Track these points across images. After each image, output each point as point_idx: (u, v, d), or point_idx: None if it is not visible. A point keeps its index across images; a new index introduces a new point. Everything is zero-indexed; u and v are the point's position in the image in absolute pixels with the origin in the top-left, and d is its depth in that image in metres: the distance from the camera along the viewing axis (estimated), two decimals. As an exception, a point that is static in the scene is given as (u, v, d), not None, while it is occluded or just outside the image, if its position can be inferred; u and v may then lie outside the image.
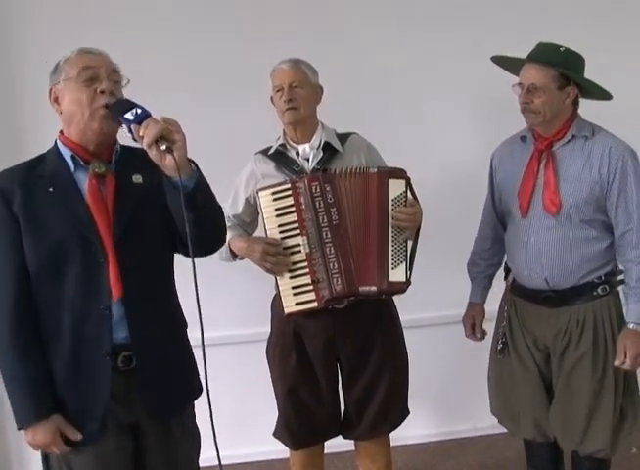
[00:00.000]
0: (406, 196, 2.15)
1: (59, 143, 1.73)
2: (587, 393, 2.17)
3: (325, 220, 2.12)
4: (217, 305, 2.79)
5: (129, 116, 1.59)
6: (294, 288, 2.14)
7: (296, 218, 2.13)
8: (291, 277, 2.15)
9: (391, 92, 2.94)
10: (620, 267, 2.22)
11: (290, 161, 2.26)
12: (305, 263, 2.13)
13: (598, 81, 2.18)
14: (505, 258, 2.45)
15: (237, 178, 2.37)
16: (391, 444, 2.53)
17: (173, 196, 1.61)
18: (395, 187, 2.14)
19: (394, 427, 2.42)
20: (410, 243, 2.16)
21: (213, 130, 2.76)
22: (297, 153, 2.27)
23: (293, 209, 2.13)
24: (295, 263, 2.14)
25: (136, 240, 1.71)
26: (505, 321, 2.35)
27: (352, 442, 2.48)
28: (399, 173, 2.16)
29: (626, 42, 2.96)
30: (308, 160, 2.25)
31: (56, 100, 1.68)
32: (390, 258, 2.12)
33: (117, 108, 1.63)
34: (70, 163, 1.70)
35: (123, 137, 1.66)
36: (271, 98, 2.29)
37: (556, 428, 2.27)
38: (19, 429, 1.68)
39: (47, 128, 1.77)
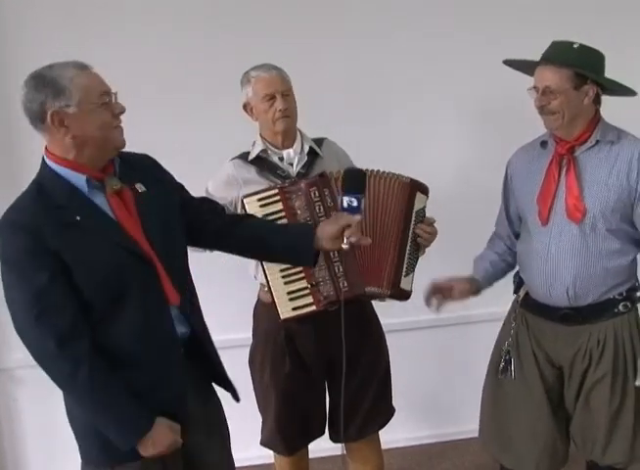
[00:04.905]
0: (424, 211, 2.16)
1: (57, 167, 1.62)
2: (606, 412, 2.09)
3: None
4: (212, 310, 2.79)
5: (354, 202, 1.72)
6: (289, 293, 2.12)
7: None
8: (285, 283, 2.12)
9: (387, 95, 2.92)
10: None
11: (273, 166, 2.25)
12: (300, 268, 2.10)
13: (623, 77, 2.03)
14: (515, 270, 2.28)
15: (209, 185, 2.29)
16: (386, 446, 2.53)
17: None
18: (419, 201, 2.15)
19: (382, 426, 2.43)
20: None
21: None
22: (281, 158, 2.26)
23: (283, 214, 2.10)
24: (288, 269, 2.11)
25: (169, 244, 1.72)
26: (511, 338, 2.21)
27: (339, 445, 2.45)
28: (425, 188, 2.17)
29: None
30: (292, 164, 2.25)
31: (61, 124, 1.55)
32: (405, 266, 2.13)
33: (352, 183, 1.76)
34: (84, 185, 1.62)
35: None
36: (244, 105, 2.25)
37: (576, 440, 2.21)
38: (132, 447, 1.62)
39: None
